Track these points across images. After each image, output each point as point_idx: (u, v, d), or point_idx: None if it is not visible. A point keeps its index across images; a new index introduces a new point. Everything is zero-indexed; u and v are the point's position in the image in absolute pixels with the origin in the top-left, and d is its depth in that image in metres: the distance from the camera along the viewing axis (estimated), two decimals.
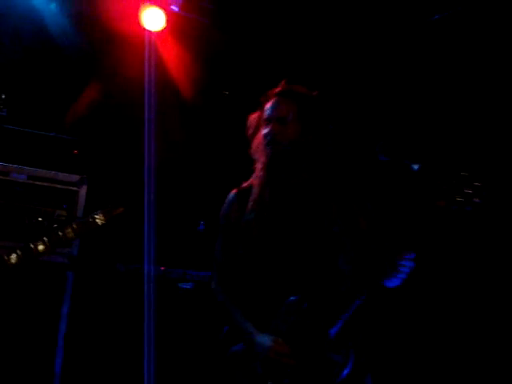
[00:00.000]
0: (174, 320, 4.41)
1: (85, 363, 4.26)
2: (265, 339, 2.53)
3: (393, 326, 4.18)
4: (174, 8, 4.79)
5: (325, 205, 2.66)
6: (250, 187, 2.77)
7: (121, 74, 4.99)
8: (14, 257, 2.38)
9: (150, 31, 4.87)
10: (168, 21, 4.80)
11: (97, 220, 2.43)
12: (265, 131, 2.68)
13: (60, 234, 2.41)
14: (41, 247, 2.42)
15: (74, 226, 2.43)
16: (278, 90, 2.77)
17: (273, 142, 2.64)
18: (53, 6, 4.79)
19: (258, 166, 2.74)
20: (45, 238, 2.42)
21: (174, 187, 5.09)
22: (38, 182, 4.11)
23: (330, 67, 4.67)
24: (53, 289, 4.06)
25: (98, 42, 4.95)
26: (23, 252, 2.39)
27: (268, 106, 2.73)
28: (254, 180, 2.76)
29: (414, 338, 4.23)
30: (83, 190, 4.19)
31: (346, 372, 2.47)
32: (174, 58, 5.15)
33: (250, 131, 2.81)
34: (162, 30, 4.89)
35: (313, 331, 2.50)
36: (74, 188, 4.17)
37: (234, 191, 2.82)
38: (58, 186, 4.14)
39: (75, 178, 4.19)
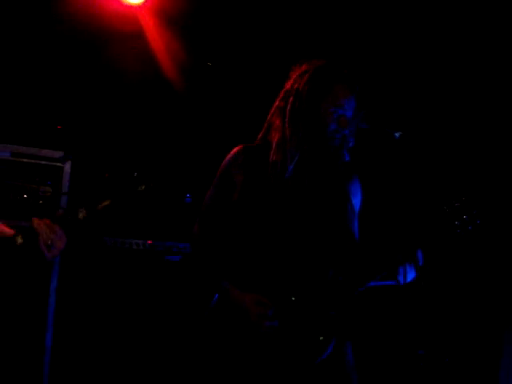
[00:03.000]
0: (162, 293, 4.43)
1: (76, 337, 4.28)
2: (244, 294, 2.47)
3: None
4: None
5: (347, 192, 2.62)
6: (261, 149, 2.63)
7: (104, 50, 4.94)
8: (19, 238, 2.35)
9: (129, 5, 4.82)
10: None
11: (79, 215, 2.39)
12: (335, 126, 2.53)
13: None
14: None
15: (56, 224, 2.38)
16: (349, 78, 2.60)
17: (342, 145, 2.54)
18: None
19: (303, 143, 2.55)
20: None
21: (160, 160, 5.08)
22: (21, 159, 4.09)
23: (312, 34, 4.64)
24: (40, 265, 4.07)
25: (78, 17, 4.89)
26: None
27: (343, 92, 2.56)
28: (284, 151, 2.58)
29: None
30: (68, 166, 4.17)
31: (328, 351, 2.47)
32: (154, 32, 5.10)
33: (307, 94, 2.57)
34: (143, 4, 4.83)
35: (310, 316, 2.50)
36: (59, 164, 4.16)
37: (239, 147, 2.65)
38: (42, 163, 4.13)
39: (59, 153, 4.17)
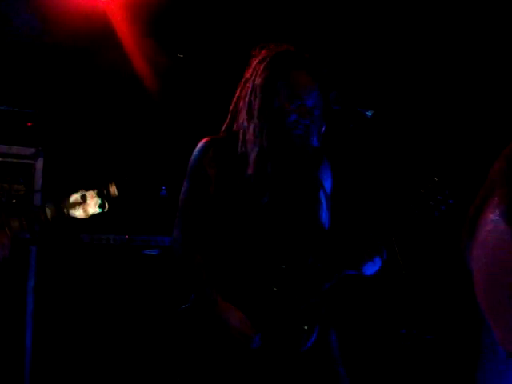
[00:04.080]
0: (140, 288, 4.39)
1: (56, 335, 4.24)
2: (231, 309, 2.42)
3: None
4: None
5: (316, 182, 2.59)
6: (228, 141, 2.57)
7: (72, 46, 4.89)
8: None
9: (97, 1, 4.78)
10: None
11: (47, 210, 2.37)
12: (295, 116, 2.48)
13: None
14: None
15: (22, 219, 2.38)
16: (308, 63, 2.54)
17: (308, 133, 2.50)
18: None
19: (263, 131, 2.50)
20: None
21: (134, 154, 5.04)
22: None
23: (283, 17, 4.62)
24: (17, 265, 4.02)
25: (47, 13, 4.83)
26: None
27: (301, 81, 2.51)
28: (248, 142, 2.53)
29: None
30: (39, 163, 4.13)
31: (313, 339, 2.46)
32: (123, 27, 5.06)
33: (261, 81, 2.52)
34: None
35: (287, 305, 2.48)
36: (30, 161, 4.11)
37: (207, 139, 2.58)
38: (13, 160, 4.08)
39: (30, 151, 4.12)
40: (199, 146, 2.59)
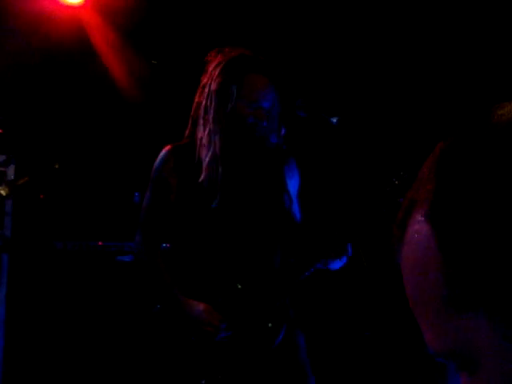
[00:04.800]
0: (114, 295, 4.37)
1: (27, 347, 4.20)
2: (196, 304, 2.49)
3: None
4: None
5: (274, 183, 2.61)
6: (189, 147, 2.60)
7: (44, 51, 4.85)
8: None
9: (70, 5, 4.75)
10: None
11: (1, 191, 2.40)
12: (249, 113, 2.50)
13: None
14: None
15: None
16: (263, 66, 2.55)
17: (266, 135, 2.52)
18: None
19: (216, 135, 2.53)
20: None
21: (106, 160, 5.02)
22: None
23: (252, 26, 4.63)
24: None
25: (16, 19, 4.79)
26: None
27: (255, 85, 2.52)
28: (203, 147, 2.56)
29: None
30: (11, 170, 4.09)
31: (279, 338, 2.49)
32: (96, 32, 5.03)
33: (216, 86, 2.54)
34: (84, 3, 4.77)
35: (253, 305, 2.49)
36: (1, 168, 4.07)
37: (168, 148, 2.63)
38: None
39: (1, 157, 4.08)
40: (160, 155, 2.63)
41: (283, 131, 2.55)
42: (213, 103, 2.54)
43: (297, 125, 2.52)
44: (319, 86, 3.96)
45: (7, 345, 4.00)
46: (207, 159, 2.53)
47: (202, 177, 2.53)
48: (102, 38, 5.06)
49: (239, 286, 2.50)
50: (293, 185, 2.67)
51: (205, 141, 2.55)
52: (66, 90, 4.90)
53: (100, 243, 4.43)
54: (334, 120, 2.38)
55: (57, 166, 2.66)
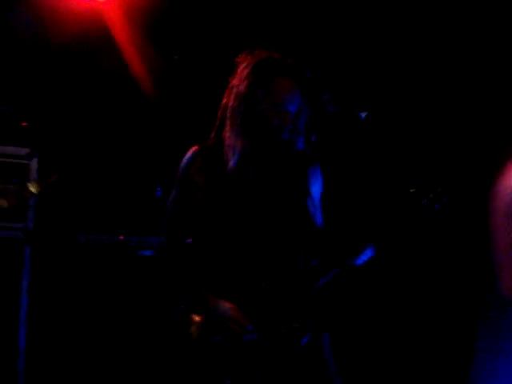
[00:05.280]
0: (135, 289, 4.38)
1: (49, 338, 4.22)
2: (222, 302, 2.47)
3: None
4: None
5: (298, 186, 2.59)
6: (216, 148, 2.59)
7: (69, 46, 4.88)
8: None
9: (94, 1, 4.76)
10: None
11: (30, 188, 2.42)
12: (275, 116, 2.49)
13: None
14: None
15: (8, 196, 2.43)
16: (291, 69, 2.54)
17: (285, 141, 2.50)
18: None
19: (242, 138, 2.53)
20: None
21: (129, 154, 5.03)
22: None
23: (276, 17, 4.61)
24: (11, 265, 4.01)
25: (42, 15, 4.82)
26: None
27: (282, 88, 2.52)
28: (229, 149, 2.55)
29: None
30: (34, 163, 4.11)
31: (306, 339, 2.48)
32: (120, 28, 5.05)
33: (245, 88, 2.53)
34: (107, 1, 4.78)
35: (278, 307, 2.49)
36: (24, 161, 4.09)
37: (195, 148, 2.62)
38: (8, 160, 4.06)
39: (25, 151, 4.10)
40: (187, 155, 2.63)
41: (313, 137, 2.55)
42: (240, 105, 2.53)
43: (324, 119, 2.49)
44: (349, 79, 3.93)
45: (29, 336, 4.02)
46: (233, 161, 2.53)
47: (229, 178, 2.53)
48: (124, 33, 5.07)
49: (263, 286, 2.49)
50: (316, 190, 2.65)
51: (231, 142, 2.54)
52: (89, 84, 4.91)
53: (121, 237, 4.43)
54: (363, 115, 2.35)
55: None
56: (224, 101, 2.63)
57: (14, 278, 4.01)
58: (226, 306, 2.47)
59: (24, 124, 4.28)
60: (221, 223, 2.54)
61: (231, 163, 2.54)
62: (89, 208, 4.64)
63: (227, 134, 2.57)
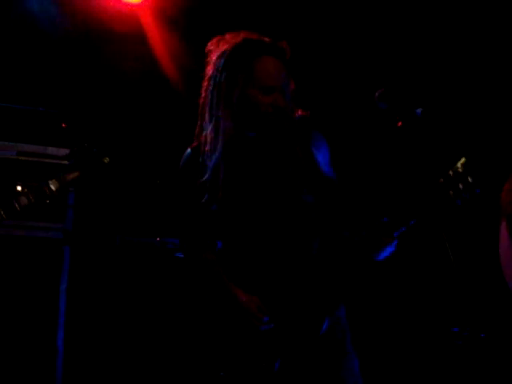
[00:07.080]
0: (172, 291, 4.38)
1: (87, 337, 4.23)
2: (244, 294, 2.46)
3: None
4: None
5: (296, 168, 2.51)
6: (200, 148, 2.55)
7: (104, 49, 4.91)
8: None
9: (129, 3, 4.79)
10: None
11: (51, 186, 2.45)
12: (266, 100, 2.39)
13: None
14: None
15: (29, 194, 2.47)
16: (269, 47, 2.44)
17: (278, 120, 2.41)
18: None
19: (214, 132, 2.46)
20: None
21: (167, 155, 5.04)
22: (27, 158, 4.04)
23: (324, 12, 4.57)
24: (50, 265, 4.02)
25: (78, 19, 4.85)
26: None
27: (266, 69, 2.40)
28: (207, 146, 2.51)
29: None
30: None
31: (323, 329, 2.44)
32: (154, 31, 5.07)
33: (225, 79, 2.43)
34: (142, 2, 4.80)
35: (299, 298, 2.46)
36: (64, 162, 4.10)
37: (187, 151, 2.62)
38: (48, 161, 4.09)
39: (64, 151, 4.12)
40: (182, 160, 2.61)
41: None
42: (220, 96, 2.43)
43: (377, 117, 2.47)
44: (402, 76, 3.89)
45: (67, 336, 4.03)
46: (212, 161, 2.47)
47: (206, 176, 2.49)
48: (158, 37, 5.08)
49: (277, 277, 2.46)
50: (322, 156, 2.54)
51: (208, 138, 2.48)
52: (123, 89, 4.93)
53: (158, 239, 4.44)
54: (419, 111, 2.31)
55: (106, 161, 2.67)
56: (203, 94, 2.52)
57: (53, 278, 4.03)
58: (245, 297, 2.44)
59: (64, 125, 4.31)
60: (230, 216, 2.50)
61: (210, 163, 2.48)
62: (126, 209, 4.66)
63: (209, 131, 2.50)
